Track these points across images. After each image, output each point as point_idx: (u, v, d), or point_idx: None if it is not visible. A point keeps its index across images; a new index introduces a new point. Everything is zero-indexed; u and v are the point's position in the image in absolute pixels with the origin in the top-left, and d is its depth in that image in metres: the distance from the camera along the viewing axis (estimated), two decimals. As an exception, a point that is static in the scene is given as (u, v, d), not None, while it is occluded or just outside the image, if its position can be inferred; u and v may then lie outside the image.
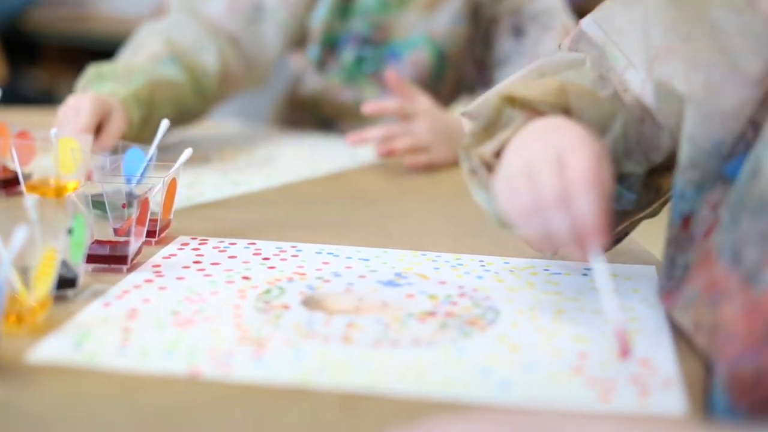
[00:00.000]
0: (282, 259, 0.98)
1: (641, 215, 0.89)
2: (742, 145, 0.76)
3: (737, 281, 0.67)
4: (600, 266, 0.73)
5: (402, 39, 1.55)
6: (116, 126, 1.22)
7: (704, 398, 0.68)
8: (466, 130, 0.87)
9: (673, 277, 0.80)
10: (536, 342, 0.78)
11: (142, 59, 1.36)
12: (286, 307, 0.85)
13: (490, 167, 0.81)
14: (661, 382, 0.71)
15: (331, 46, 1.58)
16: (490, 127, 0.82)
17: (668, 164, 0.83)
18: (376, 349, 0.76)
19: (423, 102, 1.42)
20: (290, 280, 0.92)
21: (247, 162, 1.42)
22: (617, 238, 0.91)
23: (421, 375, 0.72)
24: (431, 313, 0.84)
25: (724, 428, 0.54)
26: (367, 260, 0.97)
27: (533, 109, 0.81)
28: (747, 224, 0.68)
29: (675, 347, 0.77)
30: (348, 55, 1.58)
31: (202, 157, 1.39)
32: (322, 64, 1.59)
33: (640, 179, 0.85)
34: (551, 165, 0.71)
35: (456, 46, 1.55)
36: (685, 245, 0.79)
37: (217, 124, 1.57)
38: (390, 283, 0.91)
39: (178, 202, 1.06)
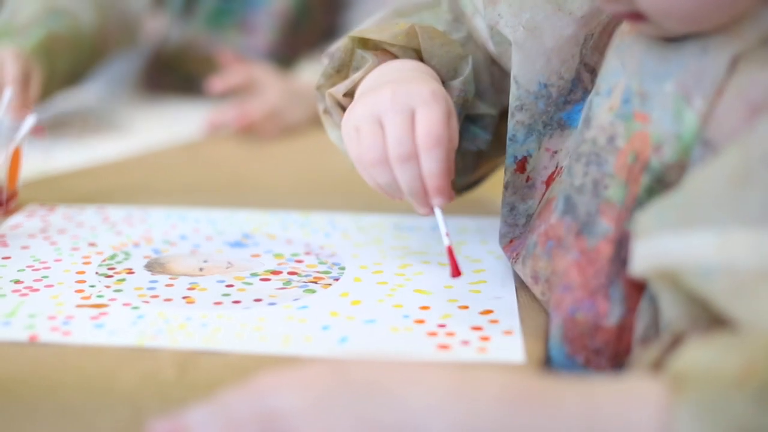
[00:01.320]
0: (129, 224, 0.97)
1: (497, 158, 0.90)
2: (579, 91, 0.77)
3: (572, 231, 0.69)
4: (439, 214, 0.74)
5: None
6: (38, 78, 1.20)
7: (544, 349, 0.70)
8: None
9: (514, 225, 0.81)
10: (378, 296, 0.79)
11: (25, 18, 1.32)
12: (129, 271, 0.84)
13: (342, 107, 0.82)
14: (501, 333, 0.72)
15: None
16: (342, 68, 0.83)
17: None
18: (217, 309, 0.76)
19: (264, 69, 1.42)
20: (136, 244, 0.91)
21: (106, 130, 1.40)
22: (474, 181, 0.92)
23: (259, 333, 0.72)
24: (275, 272, 0.84)
25: (556, 377, 0.55)
26: (216, 223, 0.97)
27: (385, 51, 0.82)
28: (581, 173, 0.69)
29: (520, 299, 0.78)
30: (209, 5, 1.57)
31: (60, 123, 1.37)
32: (184, 15, 1.58)
33: (494, 120, 0.86)
34: (399, 119, 0.71)
35: None
36: (524, 192, 0.80)
37: (79, 89, 1.54)
38: (236, 244, 0.91)
39: (31, 172, 1.04)
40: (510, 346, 0.70)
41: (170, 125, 1.45)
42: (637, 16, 0.63)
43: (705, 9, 0.61)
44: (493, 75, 0.85)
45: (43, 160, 1.21)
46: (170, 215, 1.00)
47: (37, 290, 0.80)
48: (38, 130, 1.08)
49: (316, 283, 0.82)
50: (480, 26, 0.83)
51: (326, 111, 0.85)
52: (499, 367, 0.65)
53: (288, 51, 1.58)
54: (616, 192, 0.66)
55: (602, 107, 0.69)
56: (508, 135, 0.79)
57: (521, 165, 0.79)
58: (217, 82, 1.42)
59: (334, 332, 0.72)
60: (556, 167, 0.78)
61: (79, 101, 1.55)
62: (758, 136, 0.56)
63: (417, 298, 0.78)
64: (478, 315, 0.74)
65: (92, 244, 0.91)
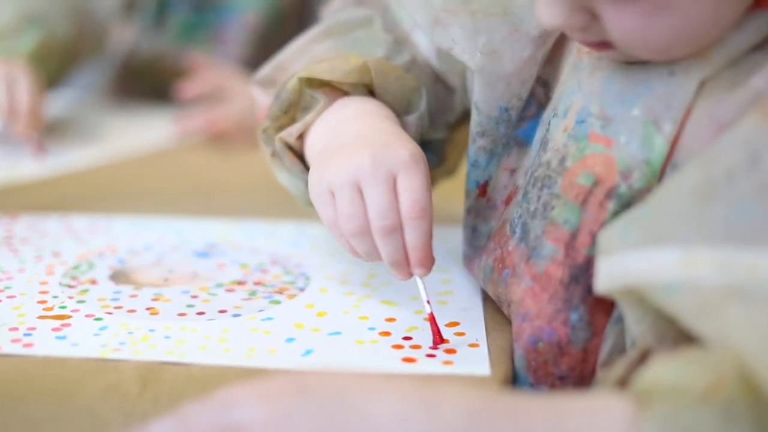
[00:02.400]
0: (93, 234, 0.96)
1: (440, 173, 0.89)
2: (533, 107, 0.76)
3: (524, 258, 0.68)
4: (420, 283, 0.72)
5: (232, 1, 1.54)
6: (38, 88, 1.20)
7: (510, 363, 0.69)
8: (257, 99, 0.86)
9: (476, 246, 0.80)
10: (344, 307, 0.78)
11: (3, 24, 1.30)
12: (93, 282, 0.84)
13: (293, 150, 0.80)
14: (466, 345, 0.71)
15: (162, 9, 1.56)
16: (290, 108, 0.80)
17: (462, 120, 0.84)
18: (181, 321, 0.75)
19: (233, 75, 1.42)
20: (101, 254, 0.90)
21: (74, 138, 1.38)
22: None
23: (223, 344, 0.71)
24: (240, 282, 0.84)
25: (521, 393, 0.55)
26: (182, 232, 0.97)
27: (334, 87, 0.79)
28: (535, 198, 0.69)
29: (487, 309, 0.78)
30: (179, 19, 1.56)
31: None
32: (155, 26, 1.57)
33: (443, 143, 0.86)
34: (382, 188, 0.67)
35: (289, 3, 1.55)
36: (486, 214, 0.79)
37: (48, 97, 1.52)
38: (202, 254, 0.91)
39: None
40: (476, 359, 0.69)
41: (140, 132, 1.44)
42: (605, 45, 0.63)
43: (677, 42, 0.61)
44: (438, 96, 0.83)
45: (8, 168, 1.19)
46: (135, 224, 0.99)
47: (-1, 301, 0.79)
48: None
49: (281, 293, 0.81)
50: (420, 42, 0.82)
51: (275, 154, 0.81)
52: (464, 380, 0.64)
53: (260, 63, 1.56)
54: (562, 212, 0.66)
55: (558, 128, 0.69)
56: (470, 160, 0.79)
57: (483, 189, 0.79)
58: (186, 88, 1.41)
59: (298, 344, 0.72)
60: (514, 186, 0.77)
61: (47, 108, 1.53)
62: (721, 151, 0.56)
63: (383, 309, 0.78)
64: (444, 327, 0.74)
65: (56, 254, 0.90)
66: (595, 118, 0.66)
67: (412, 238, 0.68)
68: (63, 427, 0.61)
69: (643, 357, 0.58)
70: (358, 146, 0.70)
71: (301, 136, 0.79)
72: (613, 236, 0.60)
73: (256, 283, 0.83)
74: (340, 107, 0.78)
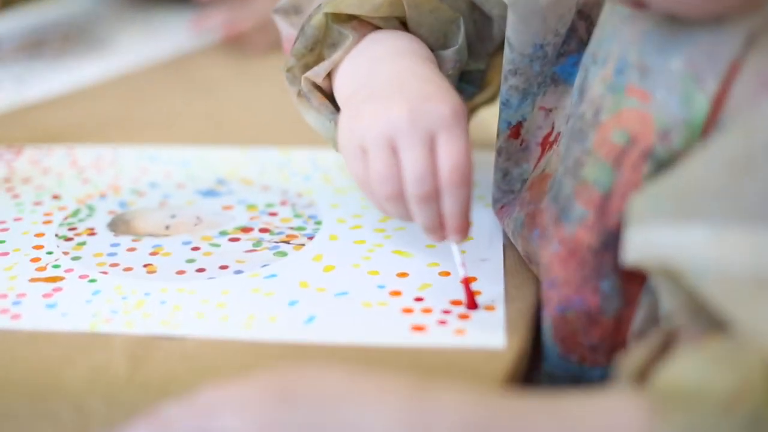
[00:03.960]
0: (98, 170, 0.91)
1: (482, 100, 0.83)
2: (573, 42, 0.69)
3: (552, 218, 0.62)
4: (455, 247, 0.66)
5: None
6: None
7: (529, 330, 0.64)
8: (281, 29, 0.79)
9: (508, 191, 0.73)
10: (354, 259, 0.73)
11: None
12: (91, 232, 0.79)
13: (321, 90, 0.73)
14: (482, 308, 0.66)
15: None
16: (315, 46, 0.72)
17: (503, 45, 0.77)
18: (179, 280, 0.71)
19: None
20: (102, 195, 0.86)
21: (87, 48, 1.33)
22: None
23: (221, 311, 0.67)
24: (245, 229, 0.79)
25: (526, 398, 0.50)
26: (189, 165, 0.91)
27: (365, 23, 0.71)
28: (570, 153, 0.62)
29: (507, 260, 0.72)
30: None
31: (37, 42, 1.30)
32: None
33: (482, 74, 0.79)
34: (419, 150, 0.60)
35: None
36: (518, 156, 0.73)
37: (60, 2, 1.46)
38: (209, 193, 0.86)
39: (2, 103, 0.99)
40: (491, 326, 0.64)
41: (156, 37, 1.38)
42: (641, 4, 0.55)
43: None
44: (476, 24, 0.76)
45: (16, 89, 1.14)
46: (141, 156, 0.94)
47: (-8, 259, 0.75)
48: None
49: (288, 242, 0.76)
50: None
51: (301, 94, 0.73)
52: (463, 389, 0.52)
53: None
54: (593, 171, 0.59)
55: (596, 77, 0.62)
56: (501, 99, 0.71)
57: (515, 131, 0.72)
58: None
59: (301, 309, 0.67)
60: (552, 128, 0.71)
61: (59, 15, 1.47)
62: (763, 118, 0.49)
63: (395, 261, 0.72)
64: (460, 284, 0.68)
65: (56, 197, 0.86)
66: (633, 69, 0.58)
67: (451, 205, 0.62)
68: (42, 423, 0.57)
69: (667, 343, 0.53)
70: (393, 96, 0.63)
71: (329, 75, 0.72)
72: (644, 204, 0.54)
73: (262, 230, 0.78)
74: (371, 43, 0.71)
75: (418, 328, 0.64)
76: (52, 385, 0.60)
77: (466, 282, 0.65)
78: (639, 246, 0.54)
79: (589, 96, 0.62)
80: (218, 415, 0.49)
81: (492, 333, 0.63)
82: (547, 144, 0.71)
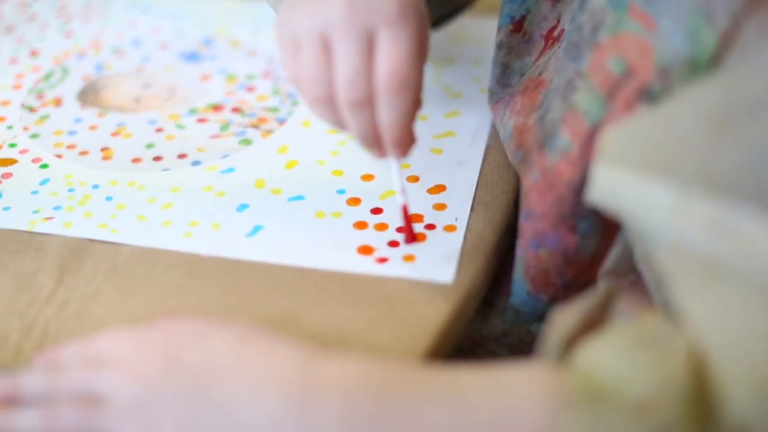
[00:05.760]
0: (84, 19, 0.86)
1: None
2: None
3: (537, 142, 0.55)
4: (395, 166, 0.58)
5: None
6: None
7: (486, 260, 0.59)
8: None
9: (506, 84, 0.66)
10: (320, 155, 0.67)
11: None
12: (57, 102, 0.75)
13: None
14: (442, 228, 0.61)
15: None
16: None
17: None
18: (131, 170, 0.67)
19: None
20: (81, 54, 0.81)
21: None
22: (445, 22, 0.77)
23: (164, 213, 0.63)
24: (217, 107, 0.73)
25: (426, 376, 0.46)
26: (180, 19, 0.85)
27: None
28: (562, 68, 0.54)
29: (486, 166, 0.66)
30: None
31: None
32: None
33: None
34: (353, 47, 0.52)
35: None
36: (520, 49, 0.64)
37: None
38: (191, 56, 0.80)
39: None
40: (443, 255, 0.58)
41: None
42: None
43: None
44: None
45: None
46: (134, 5, 0.88)
47: (-49, 129, 0.72)
48: None
49: (257, 127, 0.71)
50: None
51: None
52: (355, 365, 0.46)
53: None
54: (584, 99, 0.51)
55: None
56: None
57: (518, 25, 0.63)
58: None
59: (248, 216, 0.62)
60: (558, 21, 0.62)
61: None
62: (750, 70, 0.41)
63: (364, 159, 0.66)
64: (426, 193, 0.63)
65: (34, 53, 0.81)
66: None
67: (387, 115, 0.53)
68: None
69: (604, 305, 0.48)
70: None
71: None
72: (616, 141, 0.46)
73: (234, 110, 0.73)
74: None
75: (365, 250, 0.59)
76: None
77: (405, 211, 0.59)
78: (603, 186, 0.47)
79: (590, 5, 0.54)
80: (106, 373, 0.47)
81: (442, 264, 0.58)
82: (551, 38, 0.63)
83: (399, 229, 0.60)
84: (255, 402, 0.44)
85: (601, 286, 0.49)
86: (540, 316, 0.57)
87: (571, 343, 0.46)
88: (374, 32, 0.52)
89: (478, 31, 0.80)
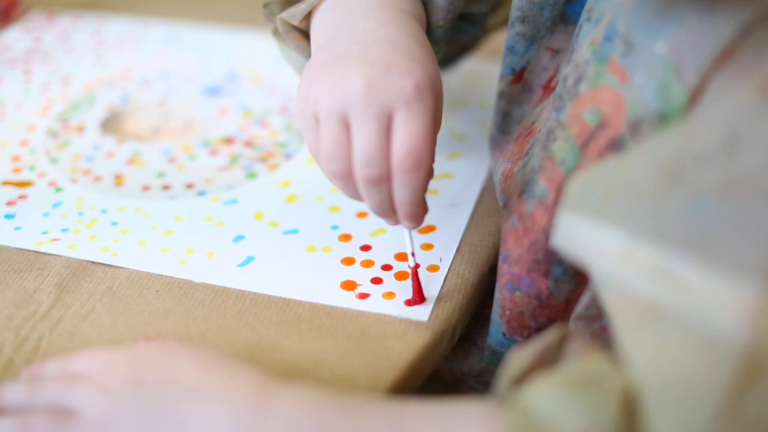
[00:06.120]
0: (119, 49, 0.90)
1: (492, 23, 0.76)
2: None
3: (518, 188, 0.57)
4: (407, 234, 0.60)
5: None
6: None
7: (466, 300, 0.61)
8: None
9: (506, 132, 0.67)
10: (320, 191, 0.70)
11: None
12: (80, 129, 0.79)
13: (298, 30, 0.65)
14: (425, 269, 0.63)
15: None
16: None
17: None
18: (140, 198, 0.70)
19: None
20: (109, 84, 0.85)
21: None
22: (451, 63, 0.79)
23: (165, 240, 0.66)
24: (229, 141, 0.77)
25: (365, 406, 0.48)
26: (208, 52, 0.89)
27: None
28: (548, 119, 0.56)
29: (477, 210, 0.68)
30: None
31: None
32: None
33: (485, 16, 0.71)
34: (372, 127, 0.53)
35: None
36: (521, 98, 0.66)
37: None
38: (212, 91, 0.83)
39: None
40: (425, 292, 0.60)
41: None
42: None
43: None
44: None
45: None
46: (169, 36, 0.92)
47: (-22, 150, 0.76)
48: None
49: (264, 161, 0.74)
50: None
51: (277, 32, 0.66)
52: (306, 395, 0.49)
53: None
54: (561, 149, 0.53)
55: (587, 38, 0.55)
56: (507, 44, 0.64)
57: (519, 76, 0.65)
58: None
59: (242, 248, 0.65)
60: (556, 71, 0.64)
61: None
62: (701, 124, 0.43)
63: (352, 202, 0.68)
64: (416, 233, 0.65)
65: (65, 81, 0.85)
66: (620, 40, 0.51)
67: (401, 192, 0.55)
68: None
69: (558, 345, 0.49)
70: (354, 62, 0.55)
71: (309, 14, 0.64)
72: (577, 189, 0.48)
73: (246, 144, 0.76)
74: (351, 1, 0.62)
75: (349, 286, 0.61)
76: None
77: (415, 272, 0.60)
78: (564, 231, 0.49)
79: (576, 58, 0.56)
80: (79, 389, 0.50)
81: (419, 311, 0.60)
82: (548, 88, 0.65)
83: (408, 302, 0.61)
84: (210, 423, 0.46)
85: (554, 330, 0.51)
86: None
87: (521, 381, 0.48)
88: (392, 111, 0.53)
89: (486, 75, 0.82)
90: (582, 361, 0.47)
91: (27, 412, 0.51)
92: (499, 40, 0.70)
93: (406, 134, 0.52)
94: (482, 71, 0.82)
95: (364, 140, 0.53)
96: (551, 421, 0.43)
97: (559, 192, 0.53)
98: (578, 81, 0.53)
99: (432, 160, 0.55)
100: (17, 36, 0.92)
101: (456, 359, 0.65)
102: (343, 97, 0.53)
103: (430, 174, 0.55)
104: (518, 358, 0.49)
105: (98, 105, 0.81)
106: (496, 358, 0.60)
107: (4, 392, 0.52)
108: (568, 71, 0.55)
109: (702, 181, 0.41)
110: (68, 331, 0.59)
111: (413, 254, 0.59)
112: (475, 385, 0.65)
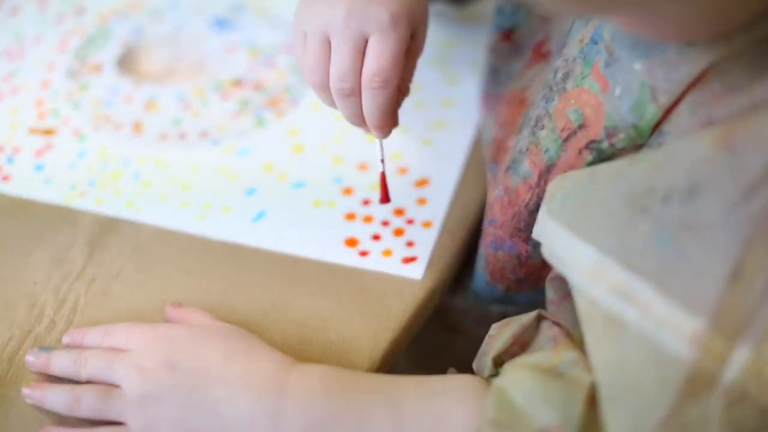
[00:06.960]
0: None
1: None
2: None
3: (505, 163, 0.63)
4: (378, 142, 0.67)
5: None
6: None
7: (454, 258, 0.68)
8: None
9: (494, 83, 0.73)
10: (326, 139, 0.76)
11: None
12: (97, 69, 0.84)
13: None
14: (420, 225, 0.69)
15: None
16: None
17: None
18: (159, 147, 0.76)
19: None
20: (123, 15, 0.89)
21: None
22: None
23: (184, 195, 0.72)
24: (238, 83, 0.82)
25: (367, 386, 0.56)
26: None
27: None
28: (538, 106, 0.61)
29: (471, 160, 0.74)
30: None
31: None
32: None
33: None
34: (347, 47, 0.62)
35: None
36: (510, 55, 0.71)
37: None
38: (220, 24, 0.88)
39: None
40: (417, 251, 0.67)
41: None
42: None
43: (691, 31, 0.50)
44: None
45: None
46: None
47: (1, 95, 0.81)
48: None
49: (274, 106, 0.79)
50: None
51: None
52: (320, 376, 0.57)
53: None
54: (546, 138, 0.59)
55: (577, 35, 0.60)
56: (496, 4, 0.70)
57: (507, 35, 0.70)
58: None
59: (255, 201, 0.71)
60: (546, 37, 0.68)
61: None
62: (671, 162, 0.48)
63: (362, 147, 0.75)
64: (411, 187, 0.71)
65: (79, 11, 0.90)
66: (603, 47, 0.57)
67: (368, 106, 0.64)
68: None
69: (535, 325, 0.57)
70: None
71: None
72: (558, 191, 0.55)
73: (255, 87, 0.81)
74: None
75: (351, 243, 0.68)
76: (21, 265, 0.68)
77: (383, 176, 0.67)
78: (542, 228, 0.56)
79: (566, 53, 0.61)
80: (120, 366, 0.58)
81: (414, 266, 0.67)
82: (539, 52, 0.70)
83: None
84: (237, 405, 0.54)
85: (533, 313, 0.58)
86: (496, 300, 0.67)
87: (502, 358, 0.56)
88: (368, 36, 0.62)
89: (481, 13, 0.86)
90: (556, 352, 0.53)
91: (75, 387, 0.58)
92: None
93: (376, 55, 0.61)
94: (478, 11, 0.86)
95: (339, 58, 0.62)
96: (526, 412, 0.50)
97: (540, 175, 0.59)
98: (566, 77, 0.59)
99: (402, 79, 0.64)
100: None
101: (445, 295, 0.73)
102: (328, 19, 0.62)
103: (401, 91, 0.64)
104: (499, 336, 0.57)
105: (113, 39, 0.85)
106: (480, 300, 0.68)
107: (53, 359, 0.60)
108: (558, 64, 0.60)
109: (666, 215, 0.46)
110: (102, 291, 0.66)
111: (382, 161, 0.66)
112: (464, 320, 0.73)
